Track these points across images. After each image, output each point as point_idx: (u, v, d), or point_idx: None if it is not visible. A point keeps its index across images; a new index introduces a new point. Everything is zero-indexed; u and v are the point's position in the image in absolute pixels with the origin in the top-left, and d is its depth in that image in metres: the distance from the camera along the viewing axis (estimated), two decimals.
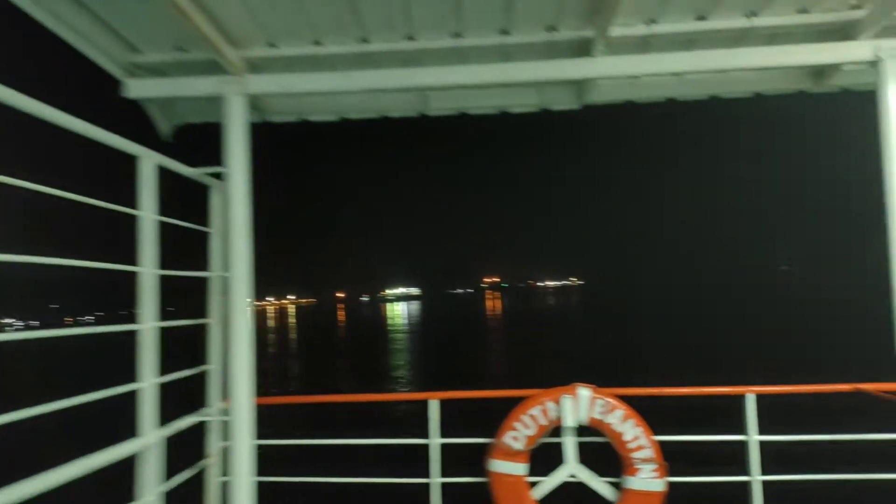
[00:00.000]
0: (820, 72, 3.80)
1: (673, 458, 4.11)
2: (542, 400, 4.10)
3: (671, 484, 3.99)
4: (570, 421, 4.04)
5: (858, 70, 3.75)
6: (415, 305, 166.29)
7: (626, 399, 4.13)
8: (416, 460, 4.30)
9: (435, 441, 4.17)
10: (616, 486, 4.04)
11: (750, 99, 4.14)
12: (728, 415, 4.34)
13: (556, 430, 4.13)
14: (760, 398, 4.10)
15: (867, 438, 3.99)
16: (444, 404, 4.29)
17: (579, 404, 4.06)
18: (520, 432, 4.06)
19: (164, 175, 3.24)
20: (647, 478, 3.94)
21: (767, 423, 4.21)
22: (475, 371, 26.16)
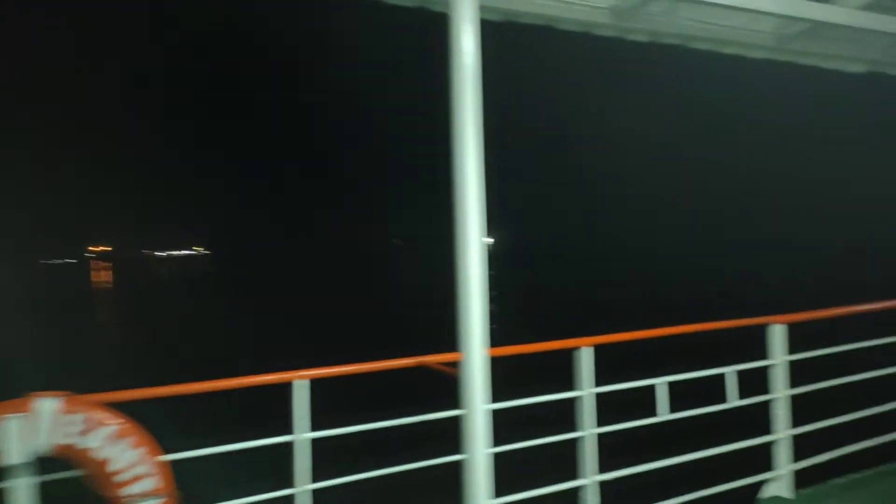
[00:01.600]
0: None
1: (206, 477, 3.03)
2: None
3: None
4: (16, 455, 2.56)
5: None
6: None
7: (126, 407, 2.84)
8: None
9: None
10: None
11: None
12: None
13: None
14: (315, 384, 3.28)
15: (427, 419, 3.52)
16: None
17: (38, 426, 2.60)
18: None
19: None
20: None
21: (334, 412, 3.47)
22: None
